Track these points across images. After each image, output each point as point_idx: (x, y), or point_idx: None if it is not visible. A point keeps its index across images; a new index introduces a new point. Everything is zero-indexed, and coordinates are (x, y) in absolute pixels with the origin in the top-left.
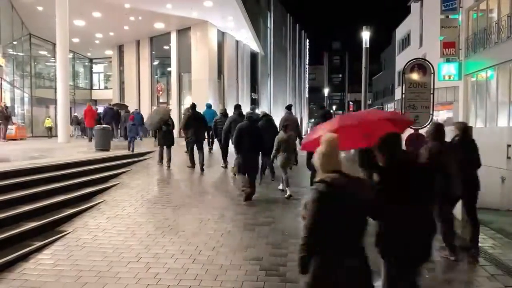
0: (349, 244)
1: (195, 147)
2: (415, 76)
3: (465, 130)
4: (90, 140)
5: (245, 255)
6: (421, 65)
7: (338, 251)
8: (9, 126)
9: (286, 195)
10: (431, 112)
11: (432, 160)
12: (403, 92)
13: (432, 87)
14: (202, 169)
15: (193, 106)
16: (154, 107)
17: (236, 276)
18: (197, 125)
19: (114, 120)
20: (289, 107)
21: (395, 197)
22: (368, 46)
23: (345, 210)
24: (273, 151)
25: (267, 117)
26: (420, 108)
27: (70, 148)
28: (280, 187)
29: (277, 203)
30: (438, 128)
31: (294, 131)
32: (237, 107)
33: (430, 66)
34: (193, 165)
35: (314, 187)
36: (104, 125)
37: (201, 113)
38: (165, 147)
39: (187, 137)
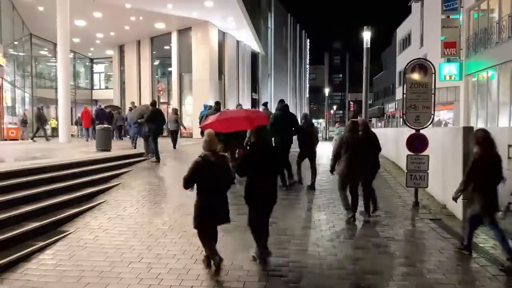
0: (217, 191)
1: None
2: (416, 76)
3: (366, 126)
4: (87, 140)
5: (247, 255)
6: (422, 65)
7: (210, 194)
8: (7, 125)
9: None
10: (432, 112)
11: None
12: (404, 92)
13: (433, 87)
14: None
15: (153, 103)
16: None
17: (238, 276)
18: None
19: (106, 122)
20: (265, 104)
21: (254, 167)
22: (369, 46)
23: (212, 172)
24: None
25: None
26: (421, 108)
27: (71, 148)
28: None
29: (278, 203)
30: (353, 123)
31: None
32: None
33: (431, 66)
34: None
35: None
36: (105, 126)
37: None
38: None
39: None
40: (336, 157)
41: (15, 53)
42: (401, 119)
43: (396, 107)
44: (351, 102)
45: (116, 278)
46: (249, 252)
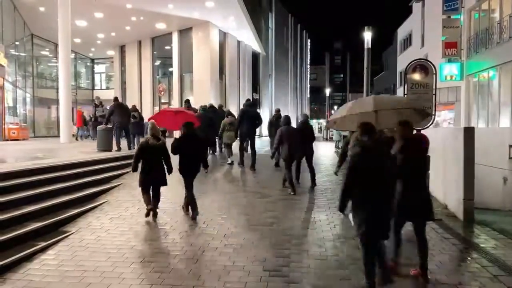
0: (155, 168)
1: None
2: (417, 76)
3: (306, 120)
4: (77, 139)
5: (248, 255)
6: (423, 66)
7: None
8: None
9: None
10: (433, 113)
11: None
12: (405, 92)
13: (434, 87)
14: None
15: (115, 99)
16: (156, 108)
17: (239, 277)
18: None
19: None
20: (277, 110)
21: (183, 149)
22: (369, 46)
23: (152, 153)
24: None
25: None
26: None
27: (72, 148)
28: (229, 161)
29: (279, 202)
30: (287, 118)
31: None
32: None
33: (432, 66)
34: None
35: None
36: (107, 126)
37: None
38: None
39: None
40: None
41: (17, 53)
42: None
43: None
44: None
45: (118, 278)
46: (250, 252)
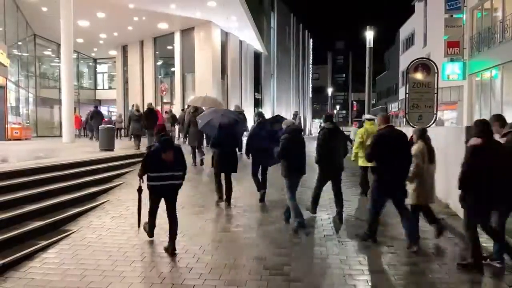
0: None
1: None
2: (419, 75)
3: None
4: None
5: (249, 254)
6: (425, 65)
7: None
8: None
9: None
10: (434, 112)
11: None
12: (407, 91)
13: (436, 86)
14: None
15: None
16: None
17: (240, 275)
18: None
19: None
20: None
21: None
22: (371, 45)
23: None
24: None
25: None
26: (423, 107)
27: (74, 148)
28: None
29: (280, 203)
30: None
31: None
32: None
33: (434, 65)
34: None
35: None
36: (108, 126)
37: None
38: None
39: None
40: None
41: (19, 53)
42: (404, 119)
43: (400, 107)
44: (354, 102)
45: (119, 277)
46: (251, 251)
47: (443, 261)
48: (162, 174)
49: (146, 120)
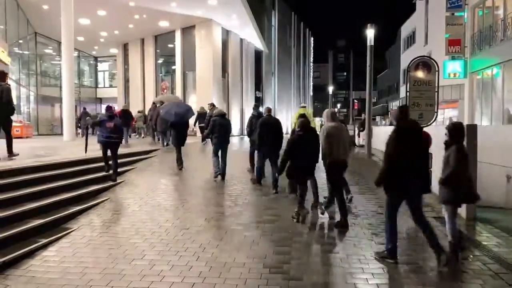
0: None
1: None
2: (419, 74)
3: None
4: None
5: (249, 252)
6: (425, 63)
7: None
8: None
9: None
10: (435, 110)
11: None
12: (408, 90)
13: (436, 85)
14: None
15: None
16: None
17: (239, 273)
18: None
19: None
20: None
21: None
22: (372, 44)
23: None
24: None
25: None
26: (424, 106)
27: (75, 146)
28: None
29: (280, 200)
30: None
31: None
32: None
33: (435, 64)
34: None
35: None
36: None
37: None
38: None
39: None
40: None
41: (20, 51)
42: None
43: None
44: (355, 100)
45: (119, 275)
46: (251, 250)
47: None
48: (105, 135)
49: (123, 119)
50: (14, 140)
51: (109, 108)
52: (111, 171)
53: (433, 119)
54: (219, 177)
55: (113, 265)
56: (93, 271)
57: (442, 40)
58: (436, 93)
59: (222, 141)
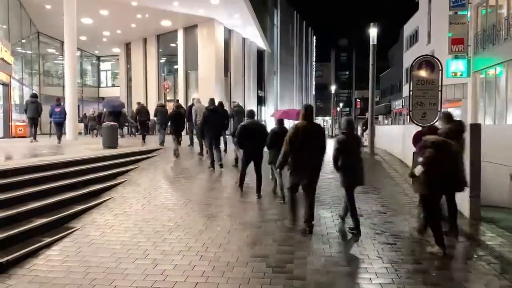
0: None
1: None
2: (422, 73)
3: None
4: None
5: (252, 252)
6: (429, 62)
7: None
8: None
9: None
10: (438, 109)
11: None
12: (411, 89)
13: (440, 84)
14: None
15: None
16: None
17: (242, 273)
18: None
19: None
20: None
21: None
22: (375, 43)
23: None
24: None
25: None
26: (427, 105)
27: (78, 145)
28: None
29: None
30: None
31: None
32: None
33: (438, 63)
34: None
35: None
36: (112, 123)
37: None
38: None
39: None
40: None
41: (23, 51)
42: (408, 117)
43: (403, 104)
44: (357, 100)
45: (122, 274)
46: (254, 249)
47: (448, 258)
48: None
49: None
50: (17, 140)
51: (58, 99)
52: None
53: (436, 119)
54: (217, 167)
55: (116, 265)
56: (97, 270)
57: (445, 39)
58: (439, 92)
59: (213, 136)
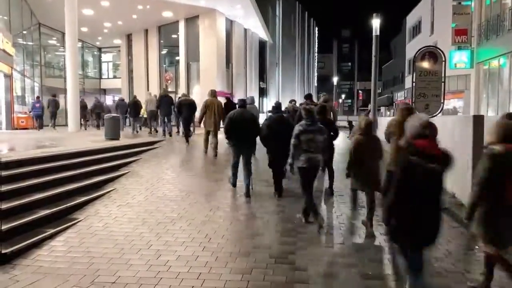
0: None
1: None
2: (426, 64)
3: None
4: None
5: (254, 243)
6: (432, 53)
7: None
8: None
9: None
10: (441, 101)
11: None
12: (414, 80)
13: (443, 75)
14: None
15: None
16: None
17: (245, 263)
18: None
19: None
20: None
21: None
22: (378, 33)
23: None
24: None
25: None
26: (430, 96)
27: (80, 137)
28: None
29: (285, 191)
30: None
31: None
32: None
33: (442, 54)
34: None
35: None
36: (114, 115)
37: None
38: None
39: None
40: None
41: (24, 42)
42: None
43: (406, 96)
44: (359, 91)
45: (126, 265)
46: (257, 240)
47: (449, 249)
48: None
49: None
50: (19, 131)
51: (38, 97)
52: None
53: (440, 110)
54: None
55: (120, 255)
56: (100, 260)
57: (449, 29)
58: (442, 84)
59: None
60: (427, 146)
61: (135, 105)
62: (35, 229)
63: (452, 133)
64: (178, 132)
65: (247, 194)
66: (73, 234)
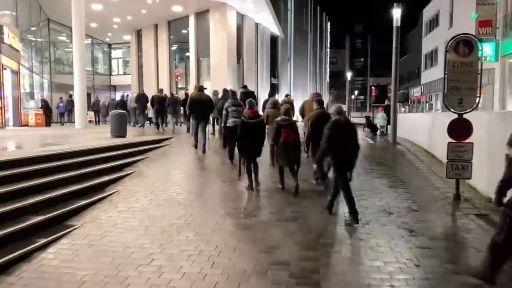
0: None
1: None
2: (459, 54)
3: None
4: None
5: (271, 257)
6: (467, 41)
7: None
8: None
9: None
10: (477, 95)
11: None
12: (446, 72)
13: (480, 67)
14: None
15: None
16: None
17: (261, 284)
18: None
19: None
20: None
21: None
22: (399, 24)
23: None
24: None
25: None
26: (465, 90)
27: (86, 134)
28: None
29: (300, 196)
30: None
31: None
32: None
33: (478, 42)
34: None
35: None
36: (120, 111)
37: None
38: None
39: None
40: None
41: (33, 38)
42: (428, 104)
43: (422, 91)
44: (372, 87)
45: (122, 284)
46: (273, 254)
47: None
48: None
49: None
50: (27, 128)
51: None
52: None
53: (476, 105)
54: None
55: (117, 272)
56: (93, 278)
57: (469, 22)
58: (479, 76)
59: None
60: None
61: (174, 101)
62: (24, 239)
63: (487, 131)
64: (188, 130)
65: (204, 151)
66: (66, 245)
